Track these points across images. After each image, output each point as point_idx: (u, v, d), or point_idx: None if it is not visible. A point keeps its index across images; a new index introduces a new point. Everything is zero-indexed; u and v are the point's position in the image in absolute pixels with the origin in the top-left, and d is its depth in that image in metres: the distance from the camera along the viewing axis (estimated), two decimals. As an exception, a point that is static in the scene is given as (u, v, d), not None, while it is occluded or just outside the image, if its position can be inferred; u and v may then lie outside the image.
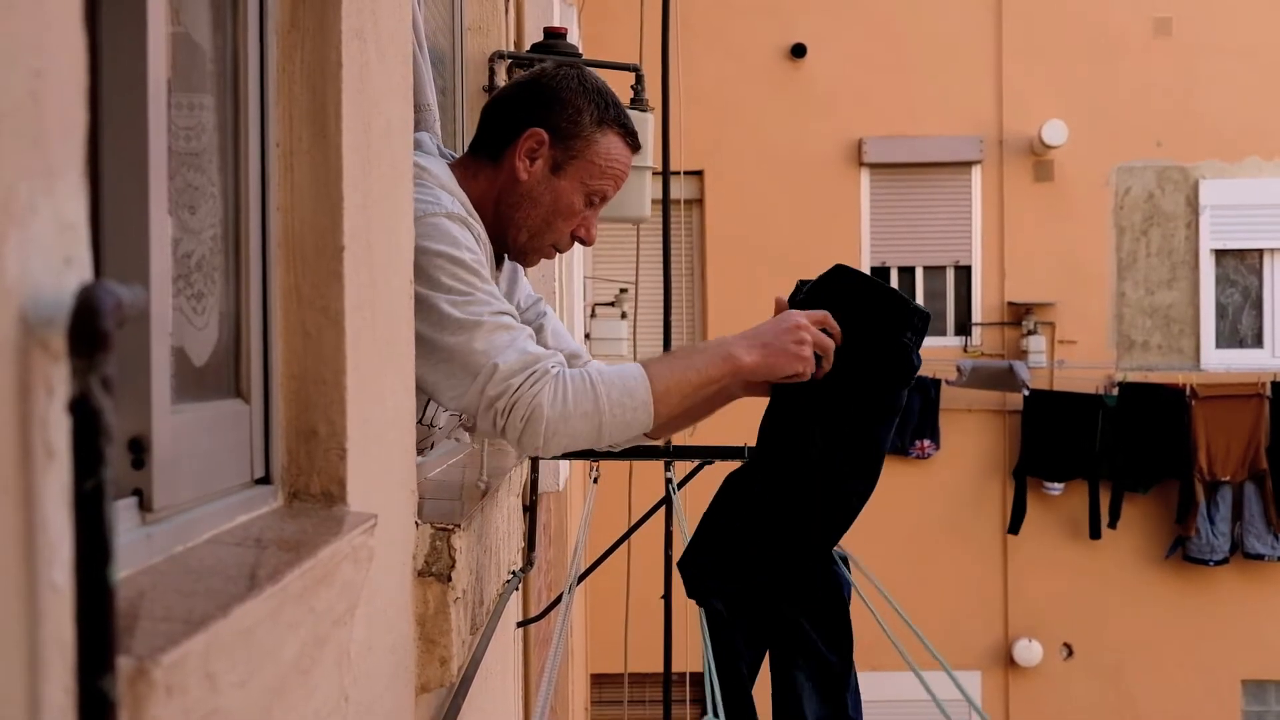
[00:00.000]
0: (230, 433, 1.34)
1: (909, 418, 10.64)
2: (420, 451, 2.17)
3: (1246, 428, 10.48)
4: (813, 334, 2.09)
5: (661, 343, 5.28)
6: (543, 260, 2.36)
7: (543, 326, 2.40)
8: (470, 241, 2.07)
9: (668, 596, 5.10)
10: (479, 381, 1.95)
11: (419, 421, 2.18)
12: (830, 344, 2.11)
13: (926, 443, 10.73)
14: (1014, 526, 10.63)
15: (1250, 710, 10.87)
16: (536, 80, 2.25)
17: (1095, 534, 10.56)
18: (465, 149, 2.36)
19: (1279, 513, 10.49)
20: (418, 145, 2.21)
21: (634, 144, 2.27)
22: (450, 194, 2.13)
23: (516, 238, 2.24)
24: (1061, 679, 10.82)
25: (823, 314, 2.12)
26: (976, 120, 10.91)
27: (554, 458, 2.23)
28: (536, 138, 2.18)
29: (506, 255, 2.31)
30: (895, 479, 10.79)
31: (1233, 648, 10.72)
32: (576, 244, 2.27)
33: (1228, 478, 10.45)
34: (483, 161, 2.24)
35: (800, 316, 2.10)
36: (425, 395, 2.07)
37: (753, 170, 10.81)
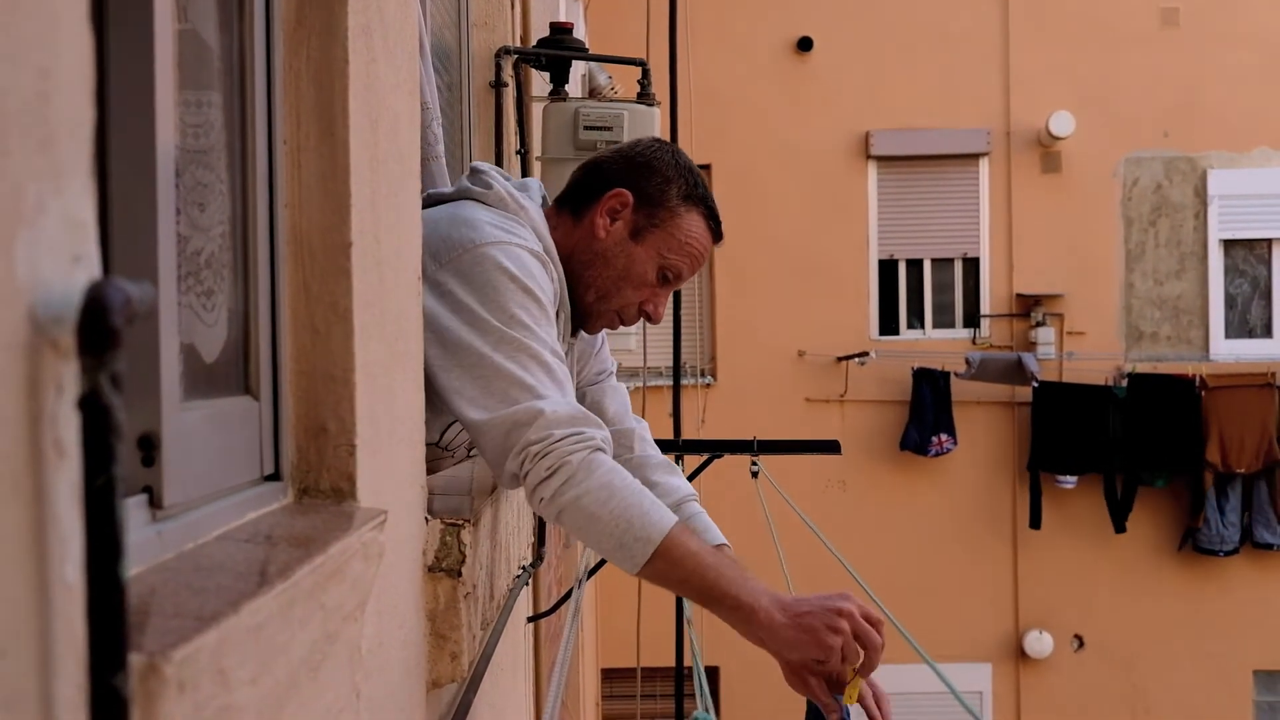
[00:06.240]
0: (240, 429, 1.34)
1: (924, 414, 10.62)
2: (430, 471, 2.15)
3: (1258, 418, 10.46)
4: (857, 626, 1.81)
5: (672, 335, 5.27)
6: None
7: (604, 393, 2.40)
8: (545, 280, 2.02)
9: (678, 591, 5.09)
10: (517, 417, 1.86)
11: (434, 444, 2.15)
12: (877, 641, 1.82)
13: (944, 438, 10.69)
14: (1034, 521, 10.60)
15: (1262, 700, 10.86)
16: (632, 147, 2.25)
17: (1120, 528, 10.54)
18: (471, 144, 2.36)
19: (1290, 503, 10.49)
20: (526, 190, 2.20)
21: (717, 230, 2.23)
22: (540, 238, 2.11)
23: (584, 297, 2.20)
24: (1073, 670, 10.82)
25: (878, 618, 1.85)
26: (984, 112, 10.90)
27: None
28: (620, 198, 2.17)
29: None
30: (906, 472, 10.78)
31: (1244, 638, 10.71)
32: (642, 319, 2.23)
33: (1242, 469, 10.43)
34: (565, 214, 2.23)
35: (852, 605, 1.82)
36: (440, 412, 1.99)
37: (760, 164, 10.80)
